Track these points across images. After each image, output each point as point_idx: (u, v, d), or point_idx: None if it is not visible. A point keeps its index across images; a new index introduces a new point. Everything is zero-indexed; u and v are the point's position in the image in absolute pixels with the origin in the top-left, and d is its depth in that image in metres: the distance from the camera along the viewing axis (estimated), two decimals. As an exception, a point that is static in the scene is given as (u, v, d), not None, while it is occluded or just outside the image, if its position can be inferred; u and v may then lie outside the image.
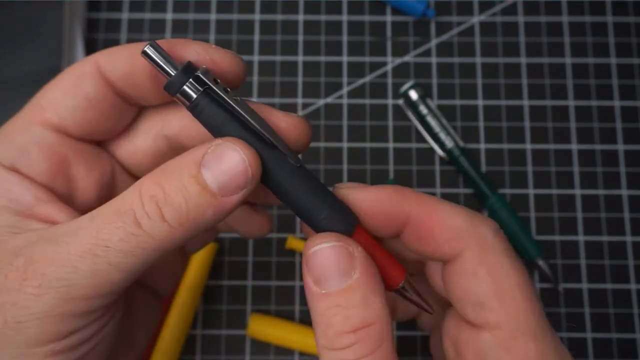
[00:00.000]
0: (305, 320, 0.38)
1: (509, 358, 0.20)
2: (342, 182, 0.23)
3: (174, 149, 0.24)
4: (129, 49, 0.22)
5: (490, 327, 0.20)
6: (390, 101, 0.42)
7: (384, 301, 0.20)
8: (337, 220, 0.21)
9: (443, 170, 0.41)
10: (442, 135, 0.40)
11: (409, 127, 0.42)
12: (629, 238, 0.40)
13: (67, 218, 0.21)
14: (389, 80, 0.42)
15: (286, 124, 0.22)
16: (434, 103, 0.42)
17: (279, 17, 0.43)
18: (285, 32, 0.43)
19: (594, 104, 0.42)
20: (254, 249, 0.40)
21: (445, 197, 0.40)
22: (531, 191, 0.41)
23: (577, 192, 0.40)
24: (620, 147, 0.41)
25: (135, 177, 0.25)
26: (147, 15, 0.43)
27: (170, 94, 0.20)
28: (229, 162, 0.20)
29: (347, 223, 0.21)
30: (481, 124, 0.42)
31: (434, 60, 0.43)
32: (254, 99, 0.42)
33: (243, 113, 0.20)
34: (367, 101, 0.42)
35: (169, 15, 0.43)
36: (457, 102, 0.42)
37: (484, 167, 0.41)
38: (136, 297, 0.26)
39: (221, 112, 0.20)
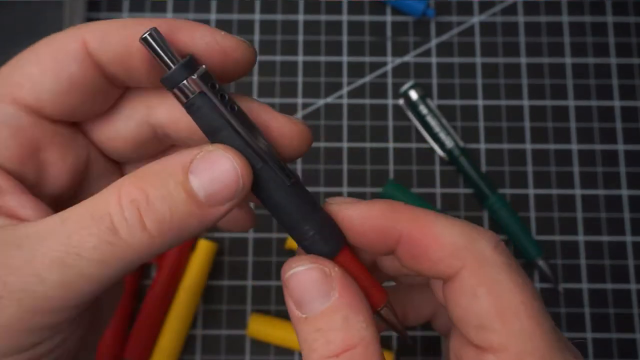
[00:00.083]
0: (305, 320, 0.38)
1: None
2: (334, 197, 0.22)
3: (159, 139, 0.22)
4: (124, 28, 0.19)
5: (495, 349, 0.19)
6: (390, 101, 0.42)
7: (369, 320, 0.19)
8: (322, 241, 0.20)
9: (443, 170, 0.41)
10: (442, 135, 0.40)
11: (409, 127, 0.42)
12: (629, 238, 0.40)
13: (32, 213, 0.19)
14: (389, 80, 0.42)
15: (289, 130, 0.21)
16: (434, 103, 0.42)
17: (279, 17, 0.43)
18: (285, 32, 0.43)
19: (594, 104, 0.42)
20: (254, 249, 0.40)
21: (445, 197, 0.40)
22: (531, 191, 0.41)
23: (577, 192, 0.40)
24: (620, 147, 0.41)
25: (112, 162, 0.23)
26: (147, 15, 0.43)
27: (167, 88, 0.19)
28: (220, 170, 0.18)
29: (333, 244, 0.20)
30: (481, 124, 0.42)
31: (434, 60, 0.43)
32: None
33: (238, 122, 0.19)
34: (367, 101, 0.42)
35: (169, 16, 0.43)
36: (457, 102, 0.42)
37: (484, 167, 0.41)
38: None
39: (217, 116, 0.19)
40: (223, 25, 0.43)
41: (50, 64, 0.19)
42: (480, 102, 0.42)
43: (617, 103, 0.42)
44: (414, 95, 0.41)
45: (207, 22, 0.43)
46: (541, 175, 0.41)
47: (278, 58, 0.43)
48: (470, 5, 0.44)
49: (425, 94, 0.41)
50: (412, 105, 0.41)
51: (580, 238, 0.40)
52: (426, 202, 0.40)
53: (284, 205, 0.20)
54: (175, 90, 0.19)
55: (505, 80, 0.42)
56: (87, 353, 0.22)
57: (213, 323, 0.38)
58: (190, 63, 0.19)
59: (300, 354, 0.38)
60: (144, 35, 0.18)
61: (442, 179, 0.41)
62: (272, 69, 0.42)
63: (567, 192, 0.40)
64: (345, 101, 0.42)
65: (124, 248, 0.18)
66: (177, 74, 0.19)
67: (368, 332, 0.19)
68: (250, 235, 0.40)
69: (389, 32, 0.43)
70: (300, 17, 0.43)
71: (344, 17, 0.43)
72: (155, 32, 0.19)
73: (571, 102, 0.42)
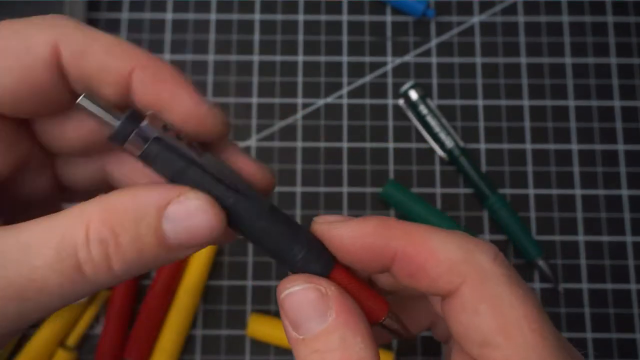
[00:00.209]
0: (305, 320, 0.38)
1: None
2: (321, 216, 0.21)
3: (110, 146, 0.22)
4: (104, 45, 0.19)
5: None
6: (390, 101, 0.42)
7: (368, 340, 0.18)
8: (314, 259, 0.20)
9: (443, 170, 0.41)
10: (442, 135, 0.40)
11: (409, 127, 0.42)
12: (629, 238, 0.40)
13: None
14: (389, 80, 0.42)
15: (254, 170, 0.21)
16: (434, 103, 0.42)
17: (279, 17, 0.43)
18: (285, 32, 0.43)
19: (594, 104, 0.42)
20: (254, 249, 0.40)
21: (445, 197, 0.40)
22: (531, 191, 0.41)
23: (577, 192, 0.40)
24: (620, 147, 0.41)
25: (55, 157, 0.23)
26: (147, 15, 0.43)
27: (117, 144, 0.18)
28: (195, 221, 0.18)
29: (323, 264, 0.20)
30: (481, 124, 0.42)
31: (434, 60, 0.43)
32: (254, 100, 0.42)
33: (200, 158, 0.19)
34: (367, 101, 0.42)
35: (169, 15, 0.43)
36: (457, 102, 0.42)
37: (484, 167, 0.41)
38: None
39: (178, 157, 0.18)
40: (223, 25, 0.43)
41: (14, 65, 0.18)
42: (480, 102, 0.42)
43: (617, 103, 0.42)
44: (414, 95, 0.41)
45: (207, 22, 0.43)
46: (541, 175, 0.41)
47: (278, 58, 0.43)
48: (470, 5, 0.44)
49: (425, 94, 0.41)
50: (412, 105, 0.41)
51: (580, 238, 0.40)
52: (426, 202, 0.40)
53: (269, 231, 0.19)
54: (127, 145, 0.18)
55: (505, 80, 0.42)
56: None
57: (213, 323, 0.38)
58: (134, 114, 0.18)
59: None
60: (78, 102, 0.18)
61: (442, 179, 0.41)
62: (272, 69, 0.42)
63: (567, 192, 0.40)
64: (345, 101, 0.42)
65: (86, 285, 0.17)
66: (124, 128, 0.18)
67: (367, 352, 0.18)
68: (250, 235, 0.40)
69: (389, 32, 0.43)
70: (300, 17, 0.43)
71: (344, 17, 0.43)
72: (89, 96, 0.18)
73: (571, 102, 0.42)
